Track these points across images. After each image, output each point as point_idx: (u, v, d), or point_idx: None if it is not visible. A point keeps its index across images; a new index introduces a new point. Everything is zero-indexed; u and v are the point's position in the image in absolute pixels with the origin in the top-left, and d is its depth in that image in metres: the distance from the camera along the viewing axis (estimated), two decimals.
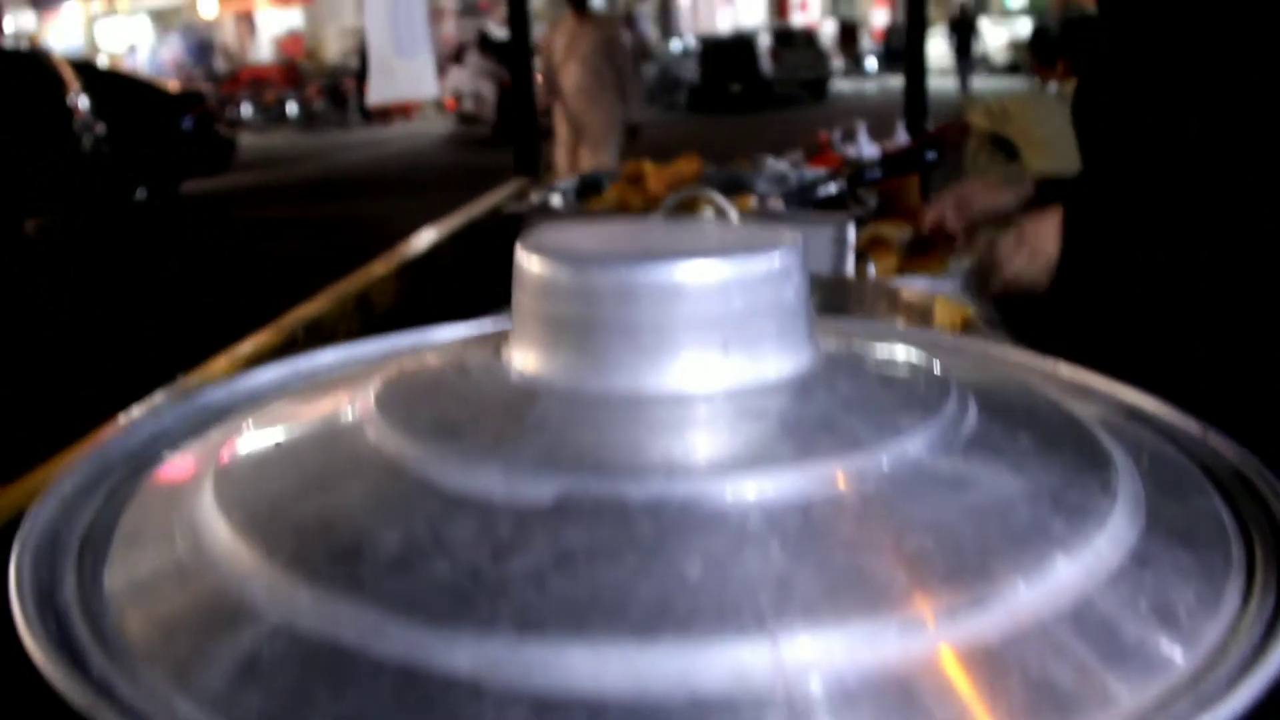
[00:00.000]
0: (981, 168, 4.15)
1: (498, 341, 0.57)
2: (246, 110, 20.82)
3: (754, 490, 0.43)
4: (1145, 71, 1.30)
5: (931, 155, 1.91)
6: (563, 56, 6.39)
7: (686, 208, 1.60)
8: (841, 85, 24.45)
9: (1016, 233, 1.34)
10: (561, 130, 6.56)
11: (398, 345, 0.79)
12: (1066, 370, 0.74)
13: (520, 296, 0.52)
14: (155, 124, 11.55)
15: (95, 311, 6.87)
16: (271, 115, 20.99)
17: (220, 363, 1.31)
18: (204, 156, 12.14)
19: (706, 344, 0.48)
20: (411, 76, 2.17)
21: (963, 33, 17.87)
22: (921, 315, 1.40)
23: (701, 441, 0.47)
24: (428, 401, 0.52)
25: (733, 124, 17.05)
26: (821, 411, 0.48)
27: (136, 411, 1.16)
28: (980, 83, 23.56)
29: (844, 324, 0.79)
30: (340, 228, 9.78)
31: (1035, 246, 1.32)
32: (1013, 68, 25.73)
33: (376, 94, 2.08)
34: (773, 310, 0.50)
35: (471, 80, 16.08)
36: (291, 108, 20.94)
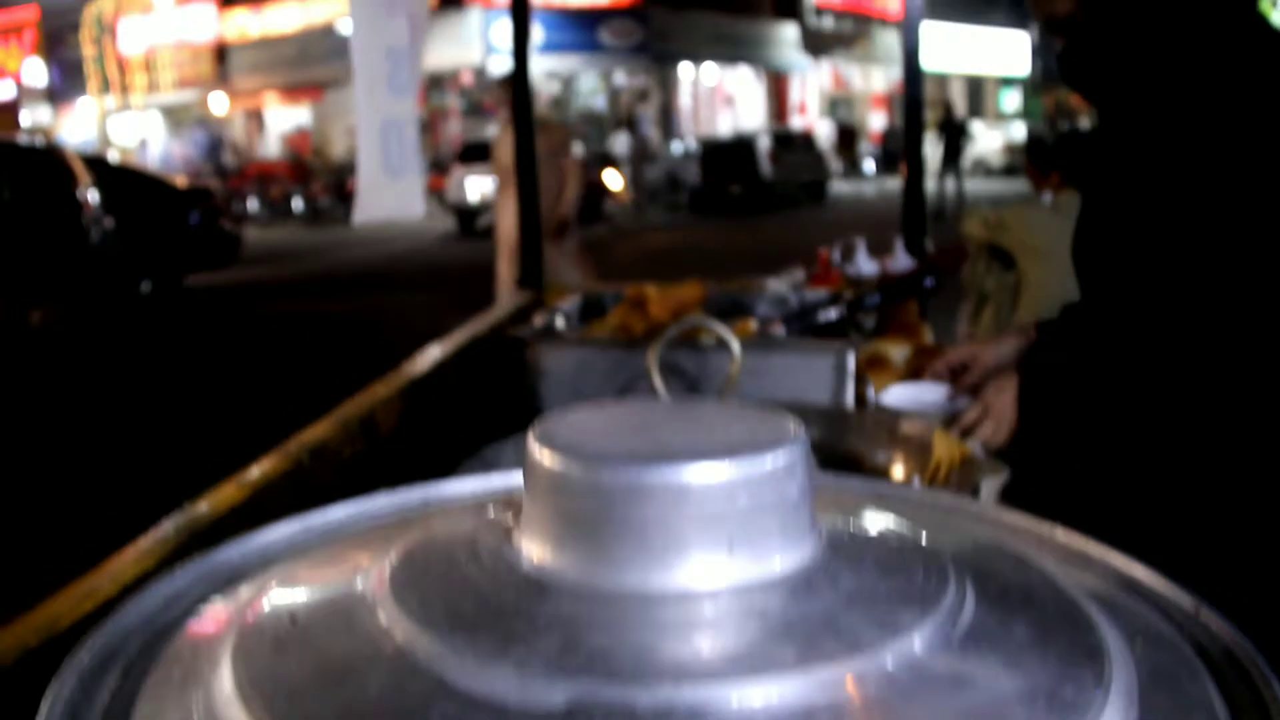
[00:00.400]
0: (979, 277, 4.22)
1: (508, 519, 0.59)
2: (253, 205, 21.13)
3: (759, 697, 0.44)
4: (1145, 212, 1.34)
5: (929, 282, 1.95)
6: (506, 169, 6.13)
7: (688, 337, 1.63)
8: (840, 187, 24.85)
9: (981, 403, 1.40)
10: (506, 240, 6.33)
11: (407, 500, 0.81)
12: (1062, 536, 0.76)
13: (532, 486, 0.54)
14: (162, 218, 11.74)
15: (96, 409, 6.88)
16: (277, 210, 21.29)
17: (228, 489, 1.32)
18: (209, 251, 12.31)
19: (712, 543, 0.50)
20: (399, 196, 2.20)
21: (951, 135, 17.83)
22: (920, 449, 1.41)
23: (707, 644, 0.48)
24: (440, 589, 0.53)
25: (733, 226, 17.28)
26: (824, 609, 0.50)
27: (145, 543, 1.17)
28: (977, 185, 23.96)
29: (842, 484, 0.81)
30: (344, 324, 9.86)
31: (999, 416, 1.39)
32: (1008, 170, 26.21)
33: (362, 213, 2.10)
34: (776, 506, 0.52)
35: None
36: (297, 203, 21.24)
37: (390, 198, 2.16)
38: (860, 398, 1.83)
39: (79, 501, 4.75)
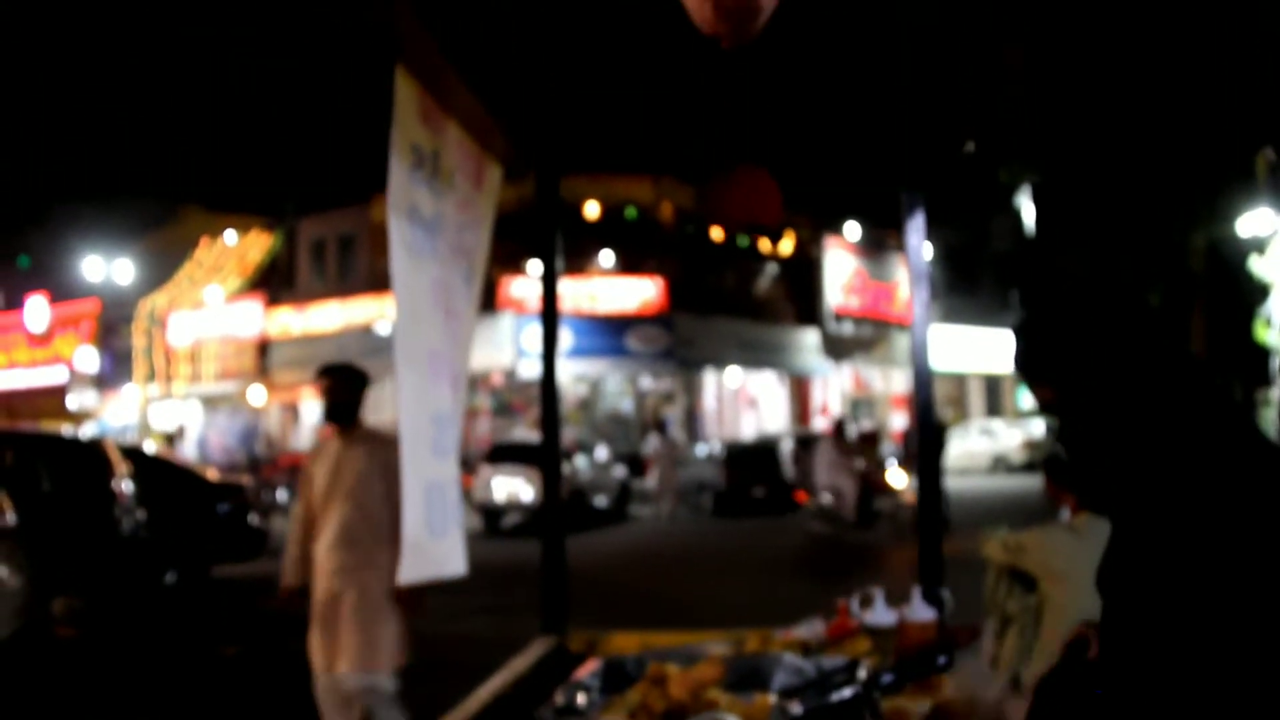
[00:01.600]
0: (1001, 600, 4.20)
1: None
2: (283, 495, 21.38)
3: None
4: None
5: (943, 660, 2.00)
6: (324, 491, 4.46)
7: None
8: None
9: None
10: (320, 588, 4.43)
11: None
12: None
13: None
14: (192, 510, 11.97)
15: (108, 706, 6.76)
16: None
17: None
18: (236, 544, 12.46)
19: None
20: (443, 555, 2.30)
21: None
22: None
23: None
24: None
25: (755, 528, 17.30)
26: None
27: None
28: (999, 482, 24.04)
29: None
30: None
31: None
32: (1029, 466, 26.29)
33: (408, 573, 2.19)
34: None
35: (827, 475, 15.26)
36: None
37: (434, 557, 2.25)
38: None
39: None
